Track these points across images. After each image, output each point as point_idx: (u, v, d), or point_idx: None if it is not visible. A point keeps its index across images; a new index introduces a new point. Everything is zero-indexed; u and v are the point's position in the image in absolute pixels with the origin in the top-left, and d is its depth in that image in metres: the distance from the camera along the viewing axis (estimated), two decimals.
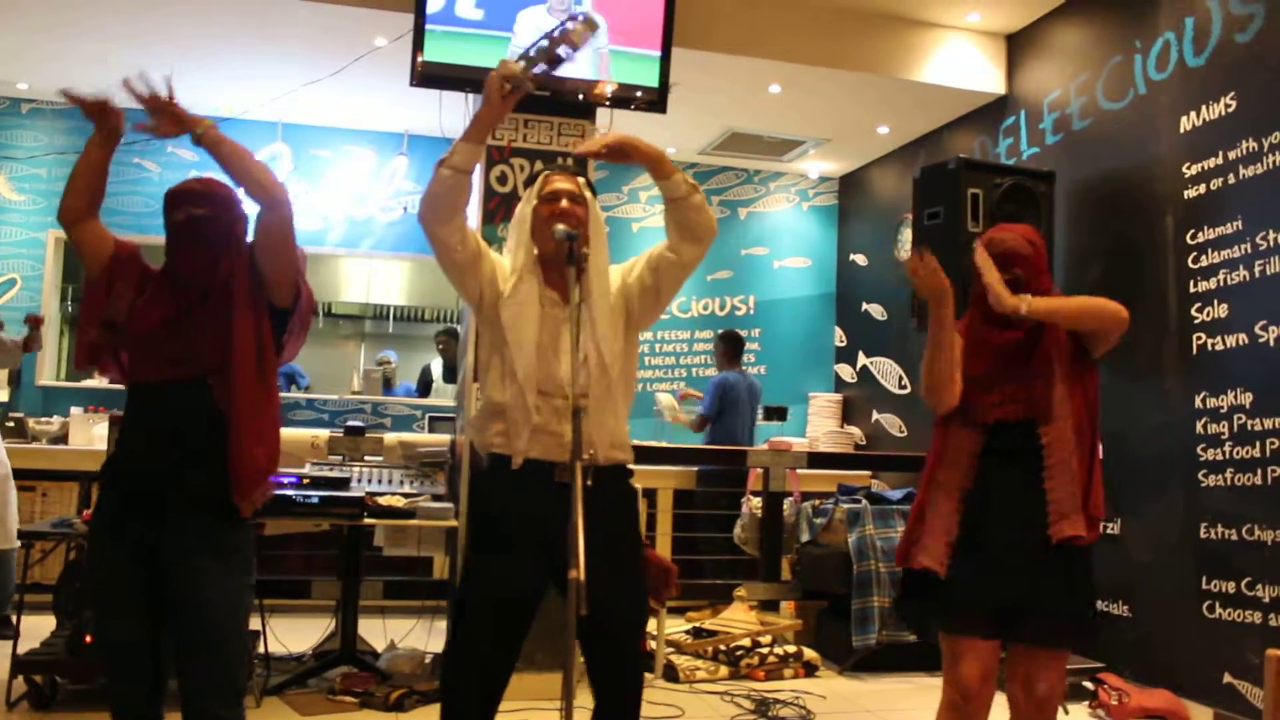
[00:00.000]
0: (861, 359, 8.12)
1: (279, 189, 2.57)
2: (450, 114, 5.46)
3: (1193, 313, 4.79)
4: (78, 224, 2.63)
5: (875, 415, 7.89)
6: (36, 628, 4.36)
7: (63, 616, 4.46)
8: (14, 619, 4.36)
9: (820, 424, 8.19)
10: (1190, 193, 4.86)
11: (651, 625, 5.07)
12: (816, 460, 6.34)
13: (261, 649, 4.51)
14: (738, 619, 5.42)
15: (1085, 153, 5.62)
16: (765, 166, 8.50)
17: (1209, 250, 4.73)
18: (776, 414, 7.51)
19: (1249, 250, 4.52)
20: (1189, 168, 4.87)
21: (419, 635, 5.12)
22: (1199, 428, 4.69)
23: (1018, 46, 6.32)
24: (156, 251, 2.69)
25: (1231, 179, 4.64)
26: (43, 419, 6.58)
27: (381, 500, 4.57)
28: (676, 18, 5.23)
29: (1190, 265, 4.83)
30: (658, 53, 5.19)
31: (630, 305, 2.71)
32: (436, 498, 4.76)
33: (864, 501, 5.54)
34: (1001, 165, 5.71)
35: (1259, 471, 4.38)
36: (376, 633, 5.06)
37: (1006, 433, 2.75)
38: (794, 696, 4.74)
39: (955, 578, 2.72)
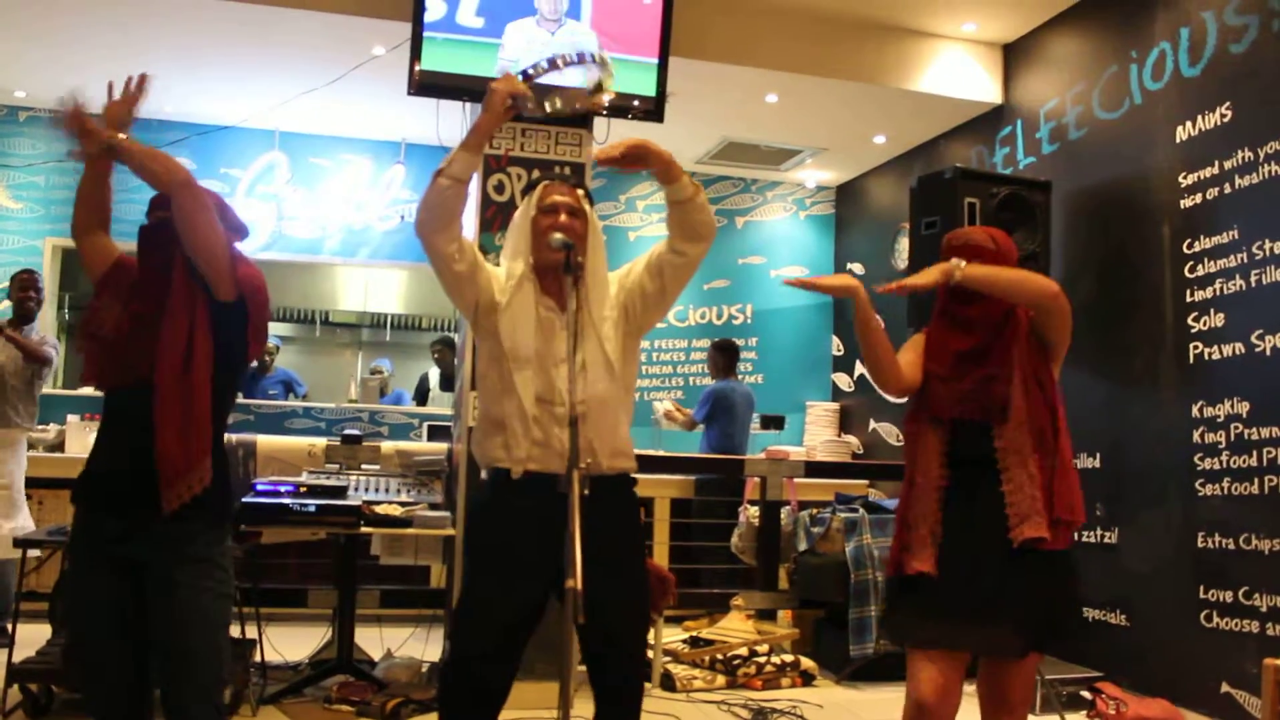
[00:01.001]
0: (859, 368, 8.13)
1: (174, 176, 2.49)
2: (448, 123, 5.46)
3: (1189, 322, 4.80)
4: (82, 238, 2.67)
5: (873, 424, 7.89)
6: (32, 636, 4.34)
7: (58, 625, 4.45)
8: (9, 627, 4.35)
9: (817, 433, 8.19)
10: (1186, 202, 4.87)
11: (649, 634, 5.06)
12: (814, 469, 6.34)
13: (258, 658, 4.49)
14: (735, 628, 5.41)
15: (1081, 162, 5.63)
16: (762, 176, 8.51)
17: (1205, 260, 4.74)
18: (774, 423, 7.51)
19: (1245, 260, 4.53)
20: (1185, 177, 4.89)
21: (416, 644, 5.11)
22: (1196, 437, 4.70)
23: (1014, 56, 6.33)
24: None
25: (1227, 189, 4.65)
26: (39, 427, 6.57)
27: (378, 509, 4.56)
28: (674, 27, 5.24)
29: (1187, 275, 4.84)
30: (655, 60, 5.20)
31: (630, 310, 2.71)
32: (433, 506, 4.75)
33: (861, 510, 5.54)
34: (998, 175, 5.72)
35: (1256, 481, 4.38)
36: (373, 642, 5.05)
37: (967, 434, 2.73)
38: (791, 706, 4.73)
39: (932, 593, 2.68)
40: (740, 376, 7.59)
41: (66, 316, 8.04)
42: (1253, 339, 4.47)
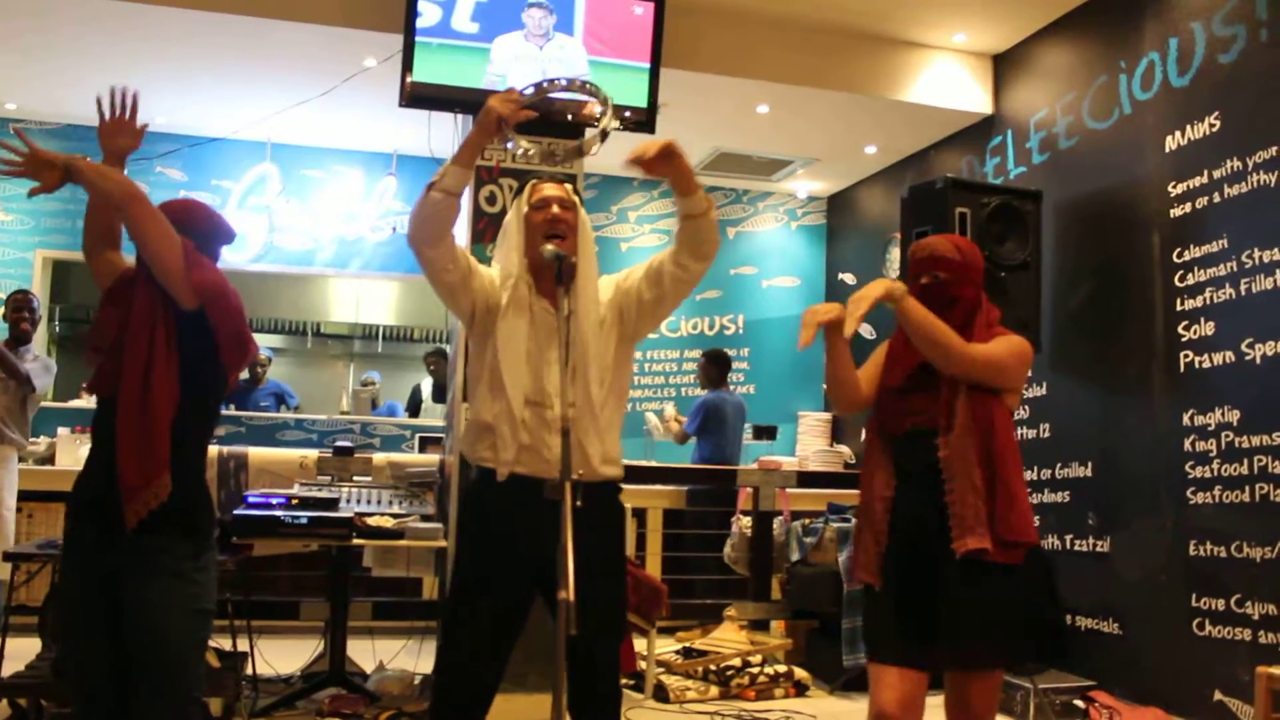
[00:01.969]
0: None
1: (123, 189, 2.49)
2: (439, 134, 5.47)
3: (1180, 330, 4.81)
4: (90, 258, 2.74)
5: (865, 434, 7.88)
6: (21, 650, 4.32)
7: (48, 639, 4.42)
8: None
9: (810, 443, 8.18)
10: (1176, 211, 4.89)
11: (642, 645, 5.06)
12: (806, 479, 6.33)
13: (249, 670, 4.48)
14: (728, 638, 5.40)
15: (1072, 172, 5.65)
16: (754, 186, 8.53)
17: (1195, 268, 4.76)
18: (766, 433, 7.51)
19: (1235, 268, 4.55)
20: (1174, 186, 4.91)
21: (408, 656, 5.09)
22: (1187, 445, 4.70)
23: (1004, 67, 6.36)
24: None
25: (1217, 198, 4.67)
26: (30, 439, 6.54)
27: (370, 521, 4.55)
28: (665, 38, 5.26)
29: (1177, 283, 4.85)
30: (646, 65, 5.21)
31: (625, 315, 2.71)
32: (425, 518, 4.74)
33: (854, 520, 5.53)
34: (989, 185, 5.73)
35: (1247, 489, 4.39)
36: (365, 654, 5.03)
37: (914, 445, 2.73)
38: (784, 716, 4.73)
39: (879, 605, 2.68)
40: (732, 387, 7.58)
41: (58, 329, 8.02)
42: (1243, 347, 4.48)
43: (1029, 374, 5.63)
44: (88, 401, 7.02)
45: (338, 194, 7.79)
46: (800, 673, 5.26)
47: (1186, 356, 4.77)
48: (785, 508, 5.95)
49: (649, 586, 5.03)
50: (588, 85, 2.75)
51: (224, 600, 4.34)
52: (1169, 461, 4.79)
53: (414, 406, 8.37)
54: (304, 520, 4.33)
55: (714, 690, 5.06)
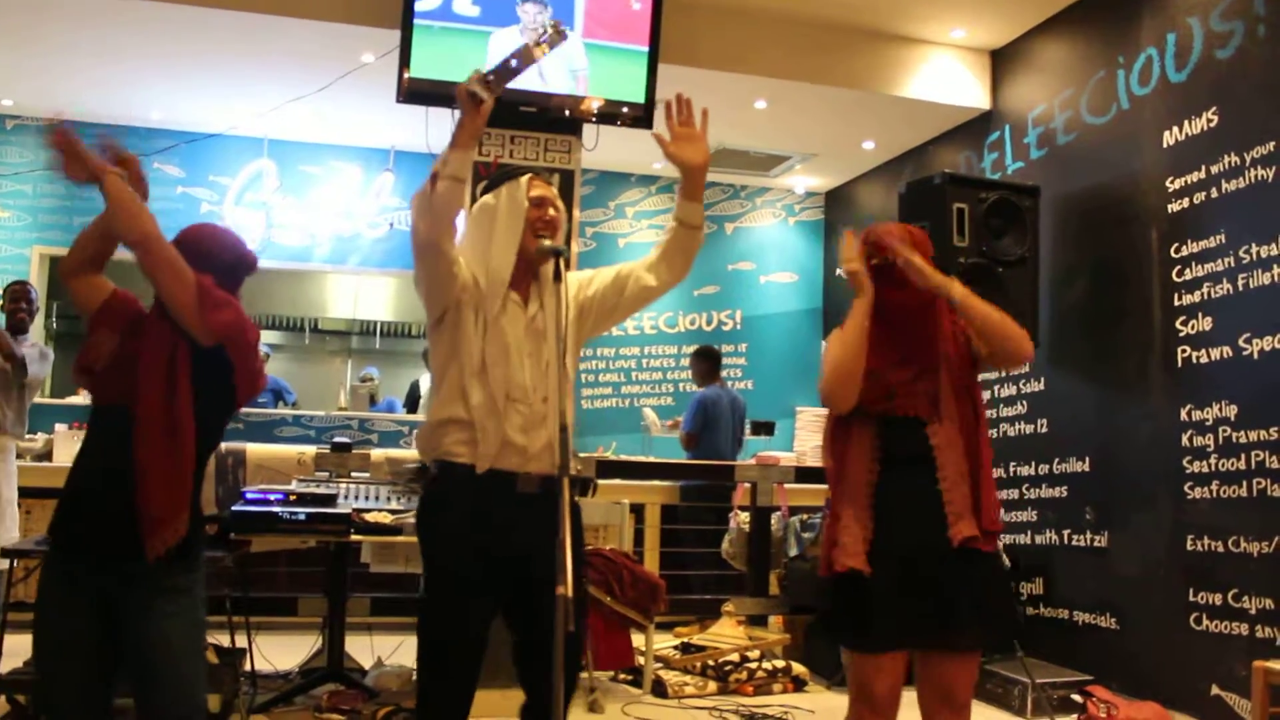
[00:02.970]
0: None
1: (134, 232, 2.46)
2: (436, 130, 5.46)
3: (1177, 325, 4.82)
4: (71, 279, 2.63)
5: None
6: (19, 646, 4.31)
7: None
8: None
9: (808, 438, 8.15)
10: (1174, 206, 4.89)
11: (640, 641, 5.06)
12: (804, 474, 6.32)
13: (247, 666, 4.48)
14: (726, 634, 5.41)
15: (1070, 167, 5.65)
16: (751, 182, 8.52)
17: (1193, 264, 4.76)
18: (764, 429, 7.50)
19: (1232, 264, 4.55)
20: (1172, 182, 4.91)
21: (406, 652, 5.08)
22: (1185, 440, 4.71)
23: (1002, 62, 6.36)
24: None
25: (1214, 193, 4.68)
26: (27, 436, 6.54)
27: (368, 516, 4.56)
28: (663, 33, 5.26)
29: (1174, 279, 4.85)
30: (645, 48, 5.22)
31: (585, 314, 2.72)
32: None
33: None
34: (986, 180, 5.74)
35: (1245, 483, 4.40)
36: (364, 650, 5.03)
37: (899, 431, 2.72)
38: (783, 711, 4.73)
39: (869, 592, 2.65)
40: (729, 382, 7.58)
41: (54, 325, 8.01)
42: (1240, 342, 4.49)
43: (1026, 369, 5.69)
44: (83, 398, 7.01)
45: (335, 190, 7.78)
46: (798, 668, 5.27)
47: (1184, 351, 4.77)
48: (783, 503, 5.95)
49: (647, 582, 5.03)
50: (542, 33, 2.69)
51: (222, 596, 4.35)
52: (1166, 456, 4.80)
53: (412, 402, 8.37)
54: (302, 516, 4.33)
55: (712, 685, 5.07)
